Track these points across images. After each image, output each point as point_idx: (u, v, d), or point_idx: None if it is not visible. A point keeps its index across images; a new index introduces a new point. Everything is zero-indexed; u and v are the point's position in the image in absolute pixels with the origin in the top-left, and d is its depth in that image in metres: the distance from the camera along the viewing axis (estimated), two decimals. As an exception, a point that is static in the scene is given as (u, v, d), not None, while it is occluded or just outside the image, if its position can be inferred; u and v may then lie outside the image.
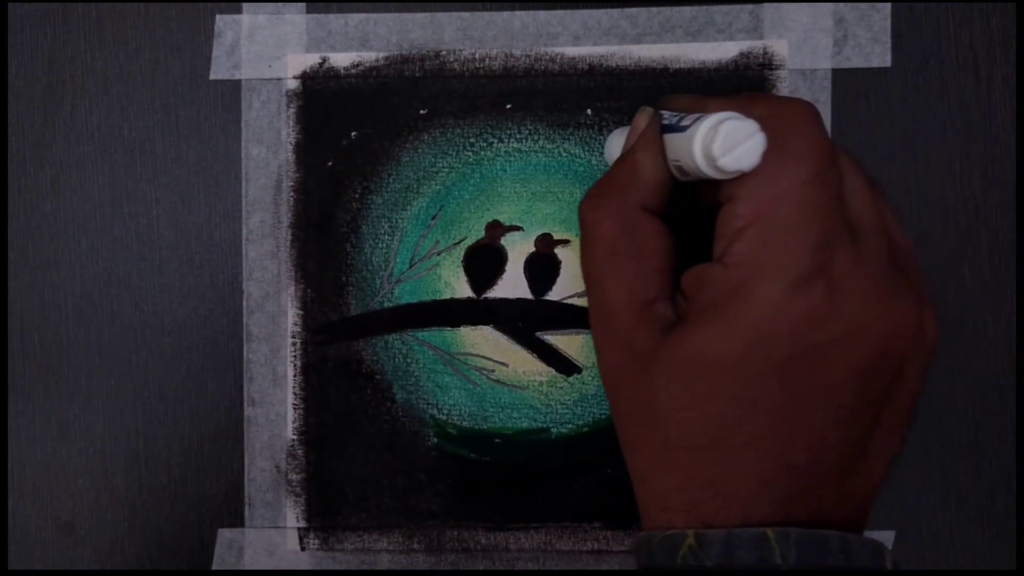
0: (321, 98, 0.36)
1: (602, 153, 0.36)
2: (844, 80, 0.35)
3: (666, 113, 0.26)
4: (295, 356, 0.36)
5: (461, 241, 0.36)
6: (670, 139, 0.25)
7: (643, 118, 0.27)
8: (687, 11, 0.35)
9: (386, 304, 0.36)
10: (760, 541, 0.23)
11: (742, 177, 0.23)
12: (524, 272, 0.36)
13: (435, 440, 0.36)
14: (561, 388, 0.36)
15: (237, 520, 0.36)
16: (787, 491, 0.23)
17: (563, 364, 0.36)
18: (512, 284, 0.36)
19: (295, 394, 0.36)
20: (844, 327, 0.23)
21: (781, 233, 0.23)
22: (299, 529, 0.36)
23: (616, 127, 0.33)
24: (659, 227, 0.25)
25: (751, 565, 0.22)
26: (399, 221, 0.36)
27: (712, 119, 0.23)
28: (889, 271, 0.24)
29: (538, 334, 0.36)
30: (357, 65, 0.36)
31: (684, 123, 0.25)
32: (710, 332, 0.23)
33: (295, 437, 0.36)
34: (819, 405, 0.23)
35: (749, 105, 0.24)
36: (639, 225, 0.25)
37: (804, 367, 0.23)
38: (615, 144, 0.30)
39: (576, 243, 0.36)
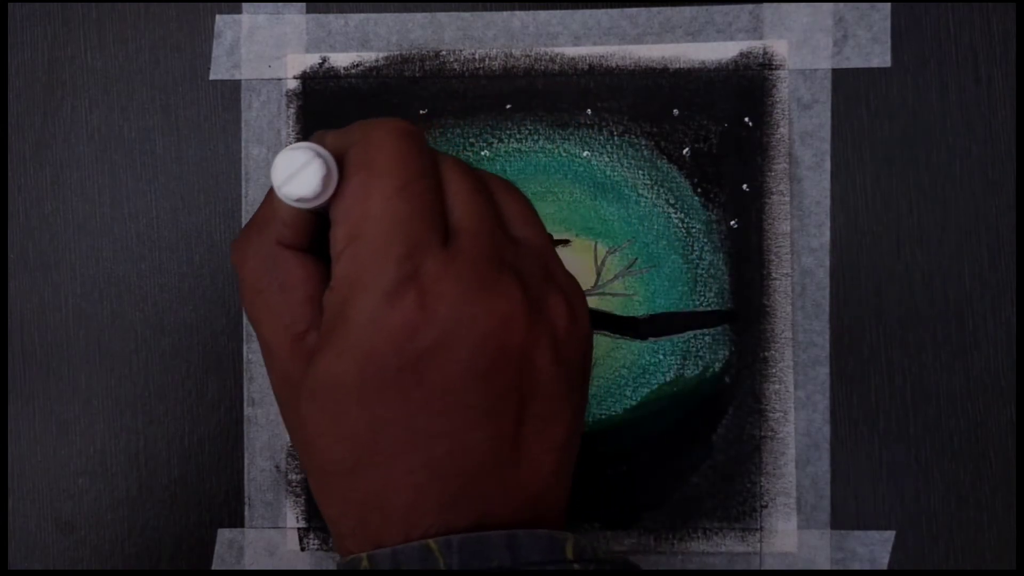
0: (321, 98, 0.36)
1: (602, 154, 0.36)
2: (844, 80, 0.35)
3: None
4: (295, 356, 0.36)
5: (461, 241, 0.36)
6: None
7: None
8: (687, 11, 0.35)
9: (386, 304, 0.36)
10: (424, 553, 0.23)
11: (336, 202, 0.24)
12: (524, 272, 0.36)
13: (435, 440, 0.36)
14: (561, 388, 0.36)
15: (237, 520, 0.36)
16: (442, 498, 0.24)
17: (563, 364, 0.36)
18: (512, 284, 0.36)
19: (295, 394, 0.36)
20: (442, 330, 0.23)
21: (369, 249, 0.23)
22: (299, 529, 0.36)
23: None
24: (300, 260, 0.26)
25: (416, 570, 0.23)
26: (399, 221, 0.36)
27: (287, 149, 0.24)
28: (484, 269, 0.24)
29: (538, 334, 0.36)
30: (357, 65, 0.36)
31: None
32: (327, 356, 0.24)
33: (295, 437, 0.36)
34: (446, 410, 0.24)
35: (345, 134, 0.25)
36: (278, 261, 0.26)
37: (416, 376, 0.23)
38: None
39: (577, 243, 0.36)
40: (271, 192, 0.26)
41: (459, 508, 0.24)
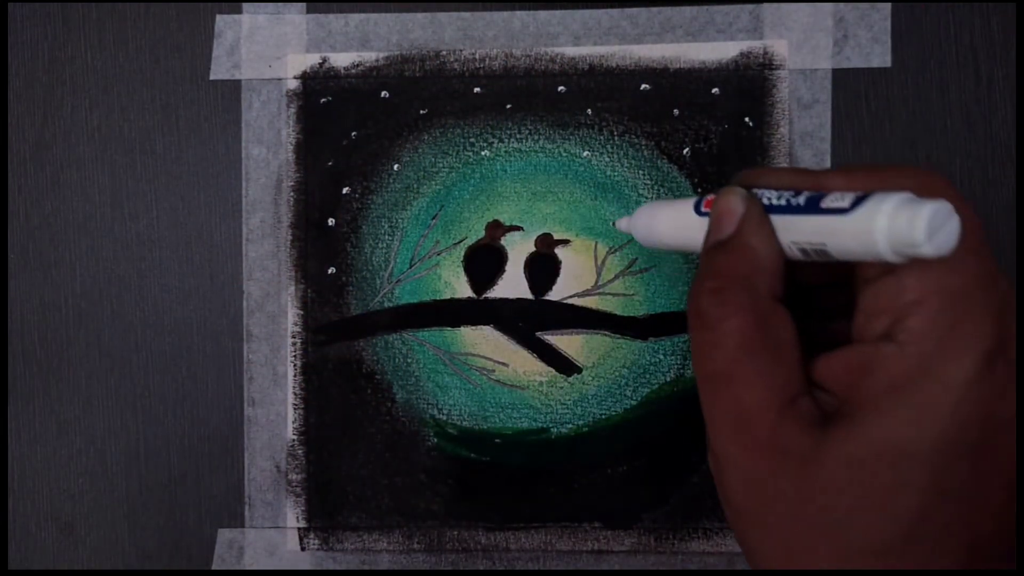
0: (321, 98, 0.36)
1: (602, 154, 0.36)
2: (844, 80, 0.35)
3: (767, 192, 0.24)
4: (295, 356, 0.36)
5: (461, 241, 0.36)
6: (791, 221, 0.23)
7: (735, 200, 0.24)
8: (687, 11, 0.35)
9: (386, 304, 0.36)
10: None
11: None
12: (524, 272, 0.36)
13: (435, 440, 0.36)
14: (561, 388, 0.36)
15: (237, 520, 0.36)
16: (966, 566, 0.22)
17: (563, 364, 0.36)
18: (512, 284, 0.36)
19: (295, 394, 0.36)
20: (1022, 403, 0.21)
21: (964, 304, 0.21)
22: (299, 529, 0.36)
23: (647, 201, 0.33)
24: (788, 317, 0.23)
25: None
26: (399, 221, 0.36)
27: (895, 199, 0.21)
28: None
29: (538, 334, 0.36)
30: (357, 65, 0.36)
31: (831, 204, 0.22)
32: (896, 419, 0.21)
33: (295, 437, 0.36)
34: (1005, 484, 0.22)
35: (887, 179, 0.22)
36: (772, 317, 0.23)
37: (991, 444, 0.21)
38: (660, 218, 0.27)
39: (577, 243, 0.36)
40: (742, 238, 0.23)
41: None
